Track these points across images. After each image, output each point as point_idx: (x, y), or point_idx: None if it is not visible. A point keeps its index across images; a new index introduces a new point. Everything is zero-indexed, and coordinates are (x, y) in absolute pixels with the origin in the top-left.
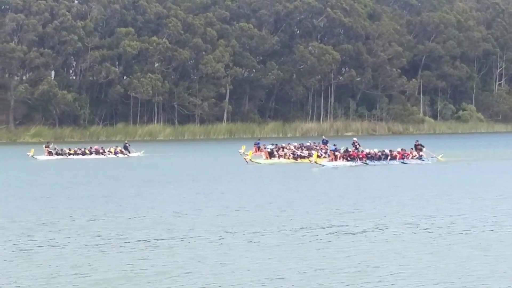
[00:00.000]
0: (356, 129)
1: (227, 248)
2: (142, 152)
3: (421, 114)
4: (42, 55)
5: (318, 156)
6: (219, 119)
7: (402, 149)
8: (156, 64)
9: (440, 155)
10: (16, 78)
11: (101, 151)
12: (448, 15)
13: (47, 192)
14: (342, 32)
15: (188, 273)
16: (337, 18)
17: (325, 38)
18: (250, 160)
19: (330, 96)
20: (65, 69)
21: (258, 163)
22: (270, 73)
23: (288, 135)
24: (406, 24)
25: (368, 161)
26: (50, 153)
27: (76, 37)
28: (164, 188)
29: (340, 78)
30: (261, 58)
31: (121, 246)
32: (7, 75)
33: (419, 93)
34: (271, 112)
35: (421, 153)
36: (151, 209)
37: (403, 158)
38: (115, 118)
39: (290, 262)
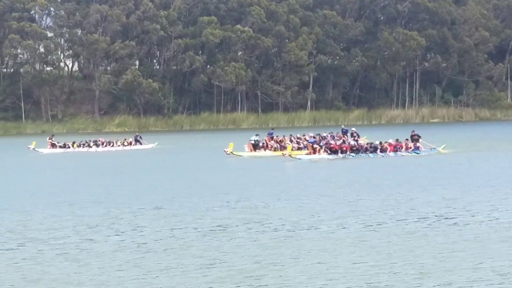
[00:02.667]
0: (442, 116)
1: (333, 240)
2: (155, 144)
3: (509, 100)
4: (126, 46)
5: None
6: (303, 107)
7: (396, 140)
8: (239, 53)
9: (442, 146)
10: (100, 68)
11: (110, 143)
12: None
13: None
14: (426, 18)
15: (293, 266)
16: (421, 3)
17: (410, 24)
18: (231, 152)
19: (415, 83)
20: (149, 58)
21: (240, 155)
22: (354, 60)
23: (373, 123)
24: (492, 9)
25: (353, 154)
26: (53, 146)
27: (158, 26)
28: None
29: (426, 64)
30: (345, 45)
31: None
32: (92, 66)
33: (506, 78)
34: (355, 99)
35: (418, 144)
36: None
37: (396, 151)
38: (199, 107)
39: (401, 255)
